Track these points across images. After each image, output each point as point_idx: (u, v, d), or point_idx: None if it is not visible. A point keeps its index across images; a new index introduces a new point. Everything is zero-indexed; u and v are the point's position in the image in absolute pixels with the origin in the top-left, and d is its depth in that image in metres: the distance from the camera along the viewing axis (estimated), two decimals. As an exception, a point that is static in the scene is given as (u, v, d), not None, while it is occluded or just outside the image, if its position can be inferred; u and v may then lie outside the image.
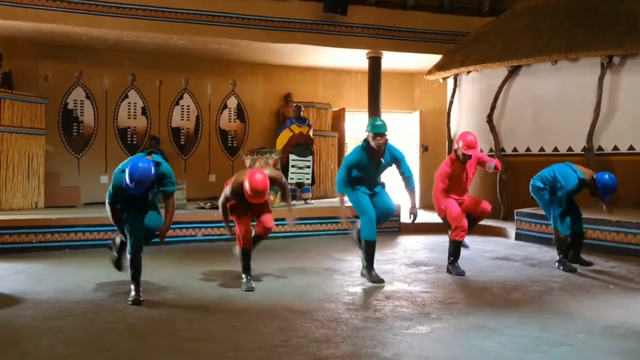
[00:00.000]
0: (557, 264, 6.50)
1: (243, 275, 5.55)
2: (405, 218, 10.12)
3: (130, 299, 4.93)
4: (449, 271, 6.27)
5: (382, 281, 5.71)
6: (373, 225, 5.74)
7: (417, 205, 5.95)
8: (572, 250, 6.70)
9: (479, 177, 10.22)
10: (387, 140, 5.76)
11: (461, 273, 6.18)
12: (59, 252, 7.61)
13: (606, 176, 6.36)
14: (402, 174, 5.92)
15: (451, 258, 6.33)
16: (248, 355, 3.67)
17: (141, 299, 4.95)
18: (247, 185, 5.22)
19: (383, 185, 6.07)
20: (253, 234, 5.64)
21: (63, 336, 4.02)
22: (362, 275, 5.90)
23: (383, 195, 5.97)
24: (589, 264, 6.61)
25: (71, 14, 9.13)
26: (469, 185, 6.48)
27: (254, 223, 5.73)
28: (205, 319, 4.51)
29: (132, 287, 5.04)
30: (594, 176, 6.43)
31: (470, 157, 6.25)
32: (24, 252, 7.45)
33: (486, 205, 6.41)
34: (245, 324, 4.34)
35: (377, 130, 5.67)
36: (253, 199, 5.24)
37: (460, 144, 6.22)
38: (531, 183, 6.69)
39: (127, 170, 4.85)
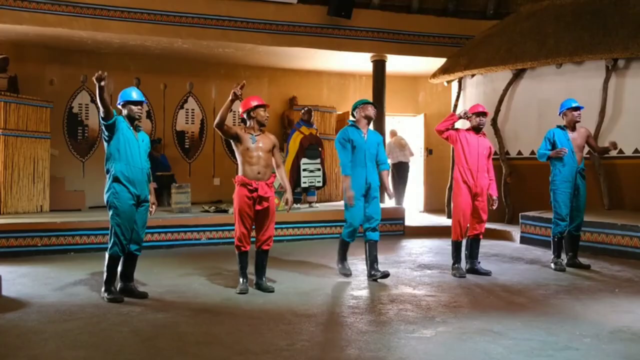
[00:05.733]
0: (552, 264, 6.72)
1: (239, 278, 5.58)
2: (409, 222, 10.17)
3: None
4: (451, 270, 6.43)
5: (349, 275, 6.20)
6: (354, 234, 6.16)
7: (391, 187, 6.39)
8: (570, 252, 6.81)
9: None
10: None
11: (461, 275, 6.25)
12: (64, 255, 7.64)
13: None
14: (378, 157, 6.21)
15: (453, 260, 6.43)
16: (253, 358, 3.67)
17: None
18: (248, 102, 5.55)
19: (377, 189, 6.18)
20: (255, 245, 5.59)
21: (69, 340, 4.03)
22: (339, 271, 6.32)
23: (375, 205, 6.11)
24: (587, 266, 6.68)
25: (77, 18, 9.16)
26: (486, 163, 6.35)
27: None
28: (210, 322, 4.51)
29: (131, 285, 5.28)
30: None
31: (484, 116, 6.35)
32: (29, 256, 7.48)
33: (481, 224, 6.38)
34: (250, 327, 4.35)
35: (369, 102, 6.21)
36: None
37: (480, 109, 6.38)
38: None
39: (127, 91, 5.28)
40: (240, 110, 5.66)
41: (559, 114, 6.82)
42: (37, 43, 10.14)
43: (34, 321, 4.48)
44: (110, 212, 5.15)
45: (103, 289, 5.19)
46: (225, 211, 9.03)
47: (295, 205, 9.94)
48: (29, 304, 4.99)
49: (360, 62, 11.52)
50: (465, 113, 6.34)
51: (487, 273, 6.33)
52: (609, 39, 8.96)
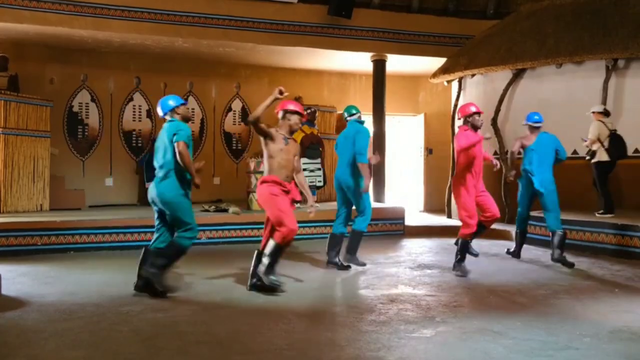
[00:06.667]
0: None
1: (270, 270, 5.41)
2: (409, 221, 10.16)
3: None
4: (454, 268, 6.41)
5: (365, 264, 6.68)
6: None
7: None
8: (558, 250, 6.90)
9: (484, 179, 10.20)
10: None
11: (464, 274, 6.24)
12: (64, 254, 7.64)
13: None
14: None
15: (458, 257, 6.40)
16: (253, 358, 3.66)
17: None
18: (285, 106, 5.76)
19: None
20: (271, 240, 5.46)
21: (69, 339, 4.03)
22: (347, 260, 6.67)
23: None
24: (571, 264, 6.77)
25: (77, 17, 9.16)
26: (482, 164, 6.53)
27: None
28: (210, 322, 4.51)
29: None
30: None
31: (481, 119, 6.47)
32: (28, 255, 7.48)
33: (496, 211, 6.53)
34: (250, 327, 4.35)
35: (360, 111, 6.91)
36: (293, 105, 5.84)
37: (473, 109, 6.43)
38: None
39: (164, 101, 5.46)
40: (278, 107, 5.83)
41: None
42: (37, 42, 10.13)
43: (33, 320, 4.48)
44: (180, 212, 5.20)
45: (156, 272, 5.21)
46: (226, 210, 9.02)
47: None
48: (28, 303, 4.99)
49: (360, 61, 11.52)
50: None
51: (475, 254, 6.76)
52: (609, 39, 8.96)
